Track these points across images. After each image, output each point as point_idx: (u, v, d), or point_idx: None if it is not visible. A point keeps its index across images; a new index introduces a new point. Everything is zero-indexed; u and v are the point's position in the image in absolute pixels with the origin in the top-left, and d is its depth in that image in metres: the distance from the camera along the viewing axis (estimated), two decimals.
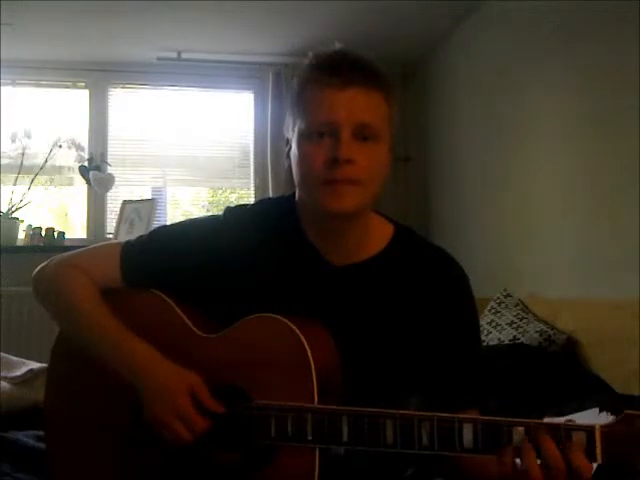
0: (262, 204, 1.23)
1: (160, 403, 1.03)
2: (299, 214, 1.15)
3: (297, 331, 1.02)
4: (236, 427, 1.03)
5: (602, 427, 0.85)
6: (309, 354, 1.00)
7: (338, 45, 1.09)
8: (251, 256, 1.14)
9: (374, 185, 1.06)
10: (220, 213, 1.20)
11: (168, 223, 1.36)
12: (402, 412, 0.95)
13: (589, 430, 0.86)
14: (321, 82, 1.03)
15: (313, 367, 1.00)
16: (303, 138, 1.05)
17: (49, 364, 1.22)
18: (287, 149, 1.12)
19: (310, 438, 0.98)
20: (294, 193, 1.17)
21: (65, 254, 1.21)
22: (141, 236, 1.21)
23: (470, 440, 0.91)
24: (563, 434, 0.87)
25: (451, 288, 1.14)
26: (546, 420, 0.96)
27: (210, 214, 1.29)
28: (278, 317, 1.04)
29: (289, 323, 1.03)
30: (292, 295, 1.11)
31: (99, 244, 1.26)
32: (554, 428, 0.88)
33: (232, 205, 1.23)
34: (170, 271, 1.15)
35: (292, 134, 1.09)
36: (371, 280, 1.12)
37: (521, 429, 0.89)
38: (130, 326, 1.10)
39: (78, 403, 1.16)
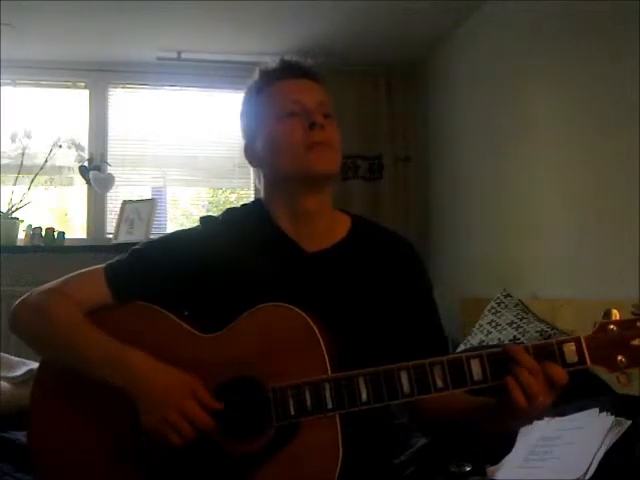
0: (232, 210, 1.31)
1: (166, 406, 1.04)
2: (270, 212, 1.24)
3: (302, 313, 1.07)
4: (254, 414, 1.05)
5: (585, 337, 1.02)
6: (316, 331, 1.06)
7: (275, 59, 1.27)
8: (233, 256, 1.19)
9: (341, 155, 1.21)
10: (196, 225, 1.29)
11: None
12: (413, 362, 1.03)
13: (577, 340, 1.01)
14: (280, 76, 1.23)
15: (322, 342, 1.05)
16: (277, 121, 1.19)
17: (39, 367, 1.22)
18: (248, 151, 1.26)
19: (330, 406, 1.02)
20: (256, 200, 1.29)
21: (45, 285, 1.22)
22: (121, 255, 1.24)
23: (479, 373, 1.01)
24: (557, 349, 1.01)
25: (408, 258, 1.28)
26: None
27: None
28: (279, 304, 1.08)
29: (292, 307, 1.07)
30: (278, 285, 1.15)
31: (75, 272, 1.24)
32: (548, 346, 1.01)
33: (205, 215, 1.34)
34: (159, 281, 1.19)
35: (257, 130, 1.24)
36: (341, 262, 1.22)
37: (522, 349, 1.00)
38: (127, 340, 1.11)
39: (70, 407, 1.16)
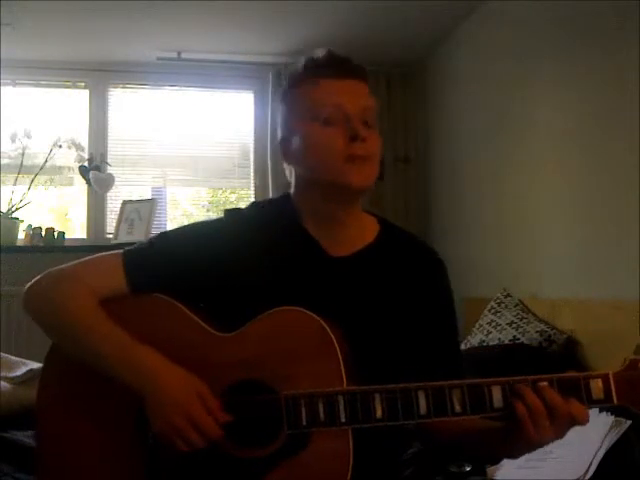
0: (258, 206, 1.27)
1: (172, 411, 1.02)
2: (298, 211, 1.20)
3: (319, 319, 1.05)
4: (264, 419, 1.04)
5: (614, 373, 0.98)
6: (334, 340, 1.04)
7: (323, 49, 1.17)
8: (256, 254, 1.16)
9: (378, 165, 1.15)
10: (219, 216, 1.24)
11: (168, 224, 1.37)
12: (432, 383, 1.01)
13: (604, 377, 0.98)
14: (321, 75, 1.13)
15: (339, 352, 1.03)
16: (315, 125, 1.12)
17: (44, 364, 1.20)
18: (283, 145, 1.19)
19: (344, 420, 1.01)
20: (286, 194, 1.24)
21: (59, 267, 1.18)
22: (141, 243, 1.21)
23: (500, 400, 0.99)
24: (583, 384, 0.98)
25: (434, 273, 1.24)
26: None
27: (210, 216, 1.31)
28: (297, 309, 1.06)
29: (310, 312, 1.05)
30: (299, 288, 1.13)
31: (93, 256, 1.21)
32: (574, 380, 0.98)
33: (230, 207, 1.25)
34: (179, 274, 1.15)
35: (294, 128, 1.16)
36: (365, 269, 1.18)
37: (545, 383, 0.99)
38: (140, 333, 1.09)
39: (76, 405, 1.15)
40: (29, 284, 1.17)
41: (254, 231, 1.19)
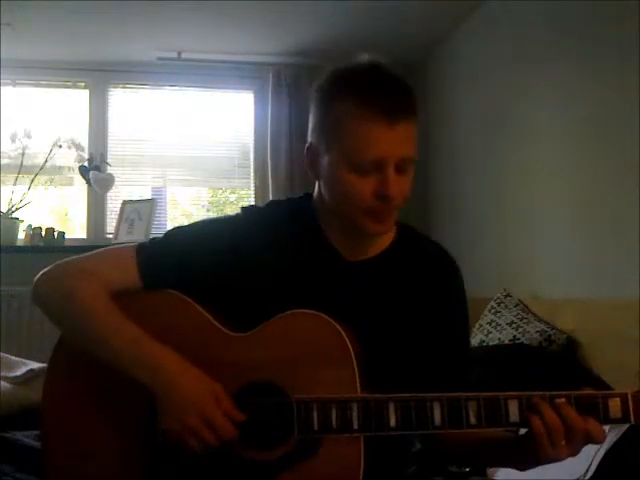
0: (276, 205, 1.25)
1: (186, 411, 1.02)
2: (318, 215, 1.18)
3: (334, 323, 1.04)
4: (275, 423, 1.03)
5: (633, 393, 0.97)
6: (349, 345, 1.03)
7: (370, 59, 1.11)
8: (271, 254, 1.15)
9: (400, 208, 1.12)
10: (235, 213, 1.22)
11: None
12: (448, 394, 1.00)
13: (623, 396, 0.98)
14: (369, 119, 1.03)
15: (353, 357, 1.02)
16: (346, 167, 1.06)
17: (49, 363, 1.19)
18: (310, 154, 1.13)
19: (356, 427, 1.00)
20: (306, 194, 1.22)
21: (71, 258, 1.17)
22: (154, 238, 1.19)
23: (516, 414, 0.98)
24: (601, 403, 0.97)
25: (450, 279, 1.23)
26: None
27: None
28: (312, 312, 1.05)
29: (325, 317, 1.04)
30: (313, 291, 1.12)
31: (105, 249, 1.20)
32: (592, 398, 0.98)
33: (247, 205, 1.25)
34: (192, 271, 1.13)
35: (325, 148, 1.09)
36: (383, 272, 1.17)
37: (563, 400, 0.98)
38: (151, 329, 1.08)
39: (82, 403, 1.14)
40: (38, 275, 1.16)
41: (270, 230, 1.17)
